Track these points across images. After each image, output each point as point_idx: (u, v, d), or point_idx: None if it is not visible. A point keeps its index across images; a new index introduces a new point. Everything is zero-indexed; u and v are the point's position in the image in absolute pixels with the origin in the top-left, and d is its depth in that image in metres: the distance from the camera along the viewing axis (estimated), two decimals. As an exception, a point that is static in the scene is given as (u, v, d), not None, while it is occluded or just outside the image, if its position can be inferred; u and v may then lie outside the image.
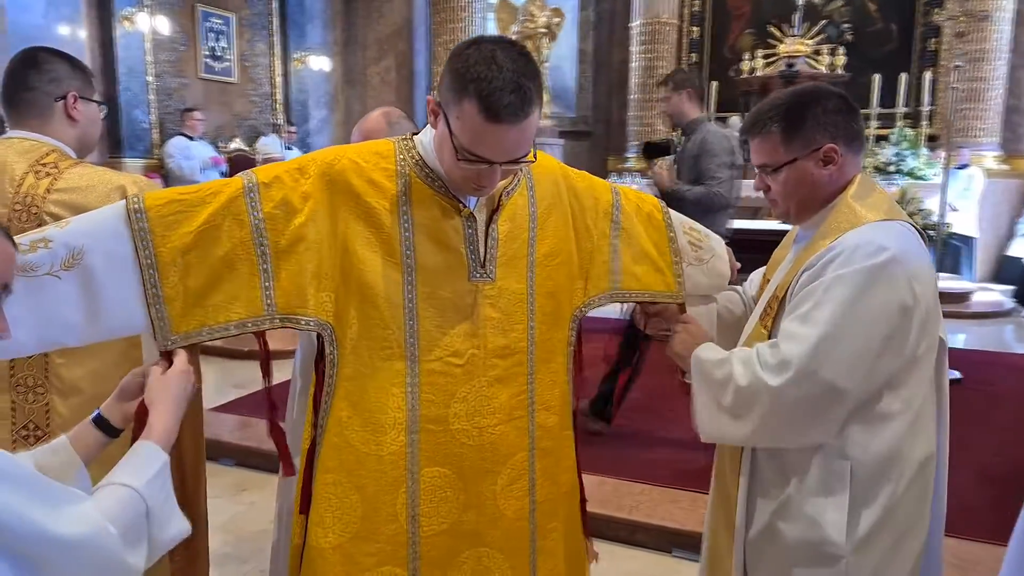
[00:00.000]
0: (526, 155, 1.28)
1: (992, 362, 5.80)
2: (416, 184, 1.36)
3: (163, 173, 8.03)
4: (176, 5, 8.80)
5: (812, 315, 1.35)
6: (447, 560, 1.43)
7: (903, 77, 9.27)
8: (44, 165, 1.69)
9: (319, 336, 1.36)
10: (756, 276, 1.83)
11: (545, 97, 11.03)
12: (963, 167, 8.65)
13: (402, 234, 1.35)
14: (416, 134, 1.42)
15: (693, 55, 11.42)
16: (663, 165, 3.86)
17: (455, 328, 1.38)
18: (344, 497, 1.38)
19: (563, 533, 1.57)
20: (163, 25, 8.47)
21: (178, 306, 1.26)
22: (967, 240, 8.75)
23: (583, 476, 1.71)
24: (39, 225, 1.53)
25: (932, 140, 9.32)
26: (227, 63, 9.58)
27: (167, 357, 1.26)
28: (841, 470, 1.37)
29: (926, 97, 9.27)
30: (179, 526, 1.10)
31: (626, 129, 11.30)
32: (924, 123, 9.33)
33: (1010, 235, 9.30)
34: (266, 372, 1.40)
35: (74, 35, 7.74)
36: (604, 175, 10.18)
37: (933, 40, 9.87)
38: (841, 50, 9.40)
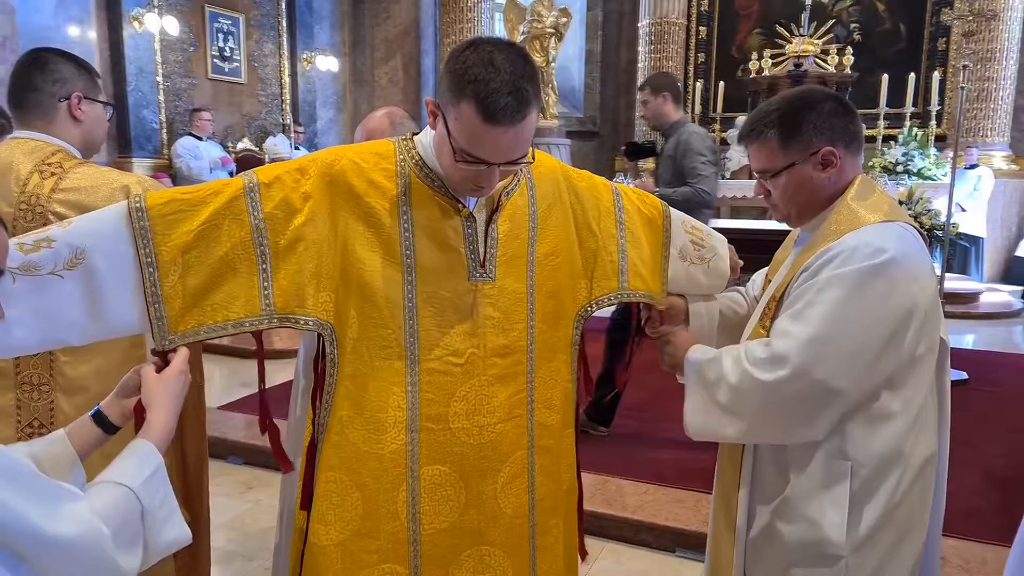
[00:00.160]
0: (524, 156, 1.29)
1: (1000, 363, 5.77)
2: (416, 184, 1.37)
3: (172, 173, 8.07)
4: (185, 6, 8.84)
5: (804, 314, 1.35)
6: (449, 558, 1.44)
7: (912, 77, 9.22)
8: (49, 165, 1.70)
9: (319, 336, 1.36)
10: (759, 277, 1.83)
11: (552, 97, 11.06)
12: (972, 167, 8.60)
13: (402, 234, 1.35)
14: (416, 134, 1.43)
15: (701, 55, 11.39)
16: (648, 171, 3.92)
17: (455, 327, 1.38)
18: (345, 495, 1.39)
19: (562, 530, 1.58)
20: (172, 26, 8.52)
21: (177, 305, 1.27)
22: (976, 240, 8.71)
23: (583, 474, 1.71)
24: (44, 224, 1.55)
25: (941, 140, 9.28)
26: (236, 63, 9.62)
27: (161, 356, 1.26)
28: (841, 470, 1.37)
29: (935, 97, 9.22)
30: (178, 531, 1.08)
31: (634, 129, 11.28)
32: (933, 123, 9.28)
33: (1019, 235, 9.24)
34: (262, 371, 1.41)
35: (83, 36, 7.79)
36: (611, 175, 10.19)
37: (942, 40, 9.82)
38: (849, 50, 9.35)
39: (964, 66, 5.24)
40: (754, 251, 2.28)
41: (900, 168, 8.97)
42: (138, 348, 1.74)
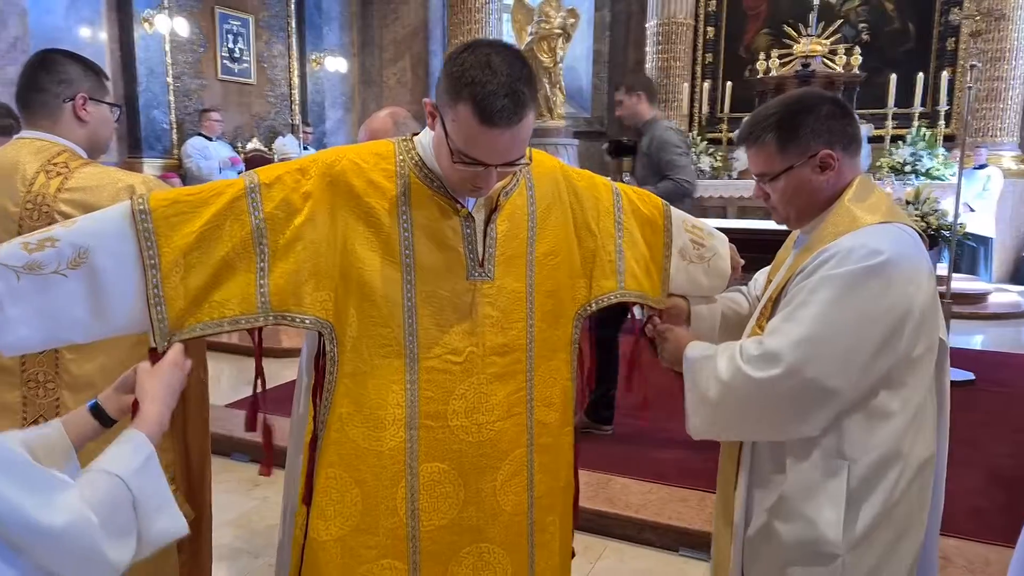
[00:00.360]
0: (521, 158, 1.31)
1: (1008, 363, 5.75)
2: (415, 184, 1.38)
3: (182, 173, 8.12)
4: (195, 7, 8.90)
5: (796, 313, 1.36)
6: (448, 555, 1.46)
7: (920, 77, 9.17)
8: (55, 165, 1.72)
9: (320, 334, 1.38)
10: (760, 276, 1.83)
11: (560, 97, 11.06)
12: (981, 167, 8.55)
13: (401, 234, 1.37)
14: (416, 135, 1.45)
15: (708, 55, 11.37)
16: (628, 169, 4.00)
17: (454, 326, 1.40)
18: (345, 491, 1.41)
19: (559, 527, 1.59)
20: (182, 27, 8.58)
21: (179, 306, 1.28)
22: (985, 240, 8.66)
23: (584, 473, 1.72)
24: (50, 224, 1.57)
25: (950, 140, 9.23)
26: (245, 64, 9.68)
27: (156, 356, 1.27)
28: (838, 469, 1.38)
29: (943, 97, 9.17)
30: (172, 521, 1.08)
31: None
32: (941, 123, 9.23)
33: (1029, 236, 9.19)
34: (259, 369, 1.42)
35: (95, 37, 7.85)
36: (618, 175, 10.18)
37: (951, 39, 9.76)
38: (857, 50, 9.31)
39: (972, 66, 5.21)
40: (756, 251, 2.28)
41: (908, 168, 8.93)
42: (143, 346, 1.74)
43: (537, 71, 10.54)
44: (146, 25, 8.20)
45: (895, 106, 9.11)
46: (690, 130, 10.75)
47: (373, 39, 11.29)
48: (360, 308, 1.37)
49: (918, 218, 5.49)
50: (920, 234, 1.47)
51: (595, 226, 1.59)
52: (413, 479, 1.41)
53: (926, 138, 9.10)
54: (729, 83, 10.19)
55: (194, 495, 1.95)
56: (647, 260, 1.67)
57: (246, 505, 3.35)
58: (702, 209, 9.32)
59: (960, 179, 5.12)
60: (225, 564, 2.88)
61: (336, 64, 10.73)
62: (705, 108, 10.71)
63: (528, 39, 11.22)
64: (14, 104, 1.89)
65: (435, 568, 1.45)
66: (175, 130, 8.66)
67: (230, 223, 1.30)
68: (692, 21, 11.06)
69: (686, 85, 10.75)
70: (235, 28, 9.48)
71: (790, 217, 1.55)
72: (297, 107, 10.30)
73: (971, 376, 5.07)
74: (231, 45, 9.44)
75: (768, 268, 1.77)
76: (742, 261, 1.81)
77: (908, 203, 5.74)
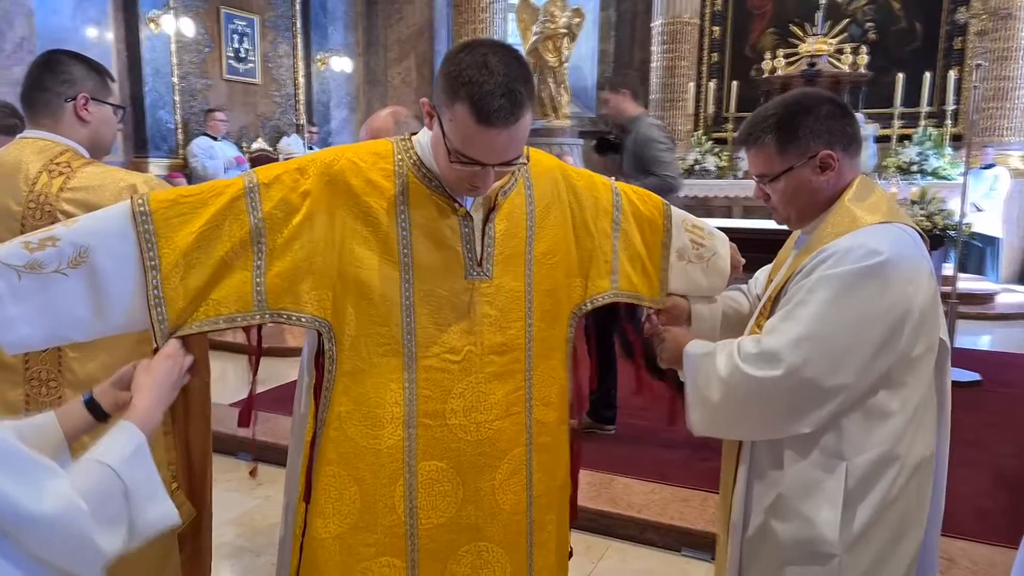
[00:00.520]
0: (518, 157, 1.31)
1: (1015, 364, 5.72)
2: (413, 184, 1.38)
3: (187, 172, 8.16)
4: (200, 7, 8.93)
5: (794, 313, 1.36)
6: (447, 553, 1.46)
7: (927, 76, 9.14)
8: (57, 164, 1.73)
9: (319, 332, 1.38)
10: (761, 275, 1.83)
11: (565, 97, 11.05)
12: (988, 167, 8.52)
13: (399, 233, 1.37)
14: (415, 134, 1.45)
15: (714, 55, 11.36)
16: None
17: (452, 325, 1.40)
18: (343, 489, 1.41)
19: (556, 526, 1.59)
20: (188, 27, 8.61)
21: (179, 306, 1.29)
22: (992, 241, 8.62)
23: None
24: (52, 223, 1.58)
25: (958, 140, 9.19)
26: (250, 64, 9.70)
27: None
28: (836, 469, 1.38)
29: (950, 96, 9.13)
30: (164, 510, 1.09)
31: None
32: (948, 122, 9.19)
33: (1037, 236, 9.14)
34: (256, 366, 1.43)
35: (101, 37, 7.89)
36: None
37: (959, 38, 9.72)
38: (864, 49, 9.28)
39: (978, 65, 5.20)
40: (758, 250, 2.28)
41: (915, 168, 8.90)
42: (145, 344, 1.76)
43: (542, 71, 10.54)
44: (152, 25, 8.23)
45: (902, 105, 9.08)
46: (695, 130, 10.74)
47: (378, 39, 11.30)
48: (358, 307, 1.37)
49: (924, 218, 5.48)
50: (921, 234, 1.46)
51: (593, 226, 1.59)
52: (411, 477, 1.41)
53: (933, 138, 9.07)
54: (735, 83, 10.17)
55: (195, 493, 1.96)
56: (644, 260, 1.66)
57: (249, 503, 3.37)
58: (708, 209, 9.31)
59: (966, 179, 5.10)
60: (228, 562, 2.89)
61: (341, 64, 10.75)
62: (711, 108, 10.69)
63: (533, 39, 11.22)
64: (19, 104, 1.90)
65: (434, 566, 1.45)
66: (181, 130, 8.69)
67: (229, 223, 1.31)
68: (698, 20, 11.04)
69: (691, 85, 10.73)
70: (240, 28, 9.51)
71: (790, 218, 1.55)
72: (302, 107, 10.32)
73: (977, 377, 5.05)
74: (236, 45, 9.47)
75: (769, 267, 1.77)
76: (743, 260, 1.80)
77: (914, 203, 5.71)
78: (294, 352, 4.94)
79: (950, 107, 9.17)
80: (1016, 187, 8.61)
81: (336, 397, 1.40)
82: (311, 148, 9.27)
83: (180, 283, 1.29)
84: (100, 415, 1.24)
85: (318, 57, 10.56)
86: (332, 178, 1.36)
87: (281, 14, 10.07)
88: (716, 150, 10.13)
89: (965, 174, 5.19)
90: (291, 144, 9.61)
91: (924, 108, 9.12)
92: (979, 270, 8.73)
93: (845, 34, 9.76)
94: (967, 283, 7.61)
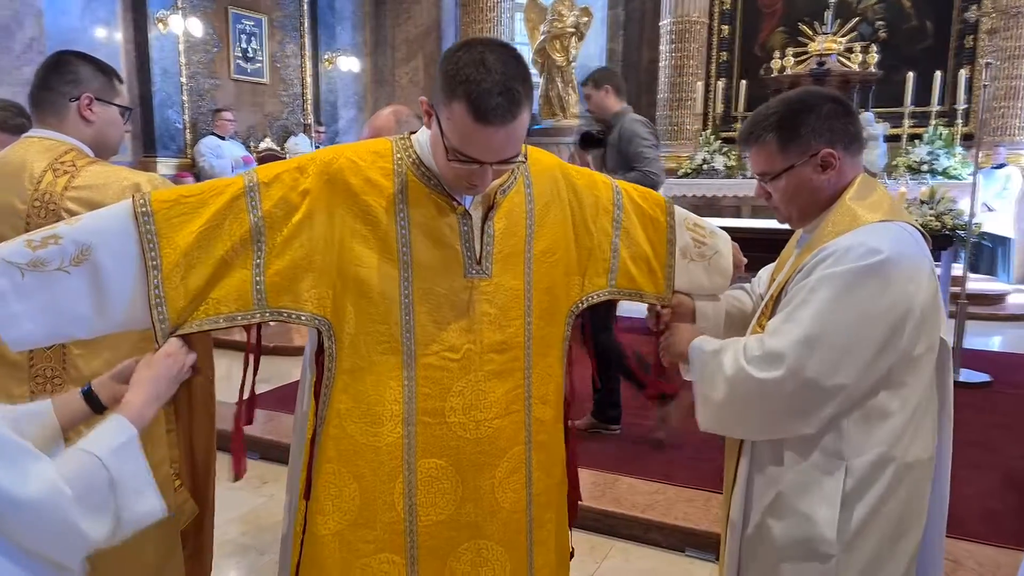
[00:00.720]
0: (516, 156, 1.31)
1: (1024, 365, 5.68)
2: (413, 182, 1.38)
3: (195, 172, 8.19)
4: (209, 7, 8.96)
5: (796, 313, 1.36)
6: (447, 550, 1.46)
7: (938, 75, 9.08)
8: (62, 163, 1.74)
9: (318, 331, 1.39)
10: (764, 274, 1.83)
11: (573, 96, 11.04)
12: (1000, 166, 8.45)
13: (399, 231, 1.37)
14: (414, 133, 1.45)
15: (723, 54, 11.33)
16: (591, 162, 4.04)
17: (451, 323, 1.40)
18: (343, 486, 1.42)
19: (555, 524, 1.59)
20: (196, 27, 8.64)
21: (179, 305, 1.30)
22: (1004, 241, 8.55)
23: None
24: (57, 221, 1.59)
25: (969, 139, 9.12)
26: (258, 64, 9.74)
27: None
28: (835, 469, 1.37)
29: (961, 95, 9.06)
30: (151, 504, 1.09)
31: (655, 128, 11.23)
32: (959, 121, 9.13)
33: (1049, 236, 9.05)
34: (255, 365, 1.44)
35: (110, 37, 7.93)
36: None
37: (970, 37, 9.66)
38: (874, 48, 9.23)
39: (987, 64, 5.16)
40: (761, 250, 2.27)
41: (925, 168, 8.84)
42: (148, 342, 1.76)
43: (550, 70, 10.55)
44: (160, 26, 8.27)
45: (912, 104, 9.02)
46: (704, 129, 10.71)
47: (386, 39, 11.32)
48: (357, 305, 1.38)
49: (933, 218, 5.44)
50: (923, 233, 1.46)
51: (592, 224, 1.59)
52: (411, 475, 1.41)
53: (943, 137, 9.01)
54: (744, 82, 10.14)
55: (198, 491, 1.97)
56: (648, 258, 1.66)
57: (254, 502, 3.38)
58: (716, 209, 9.29)
59: (976, 178, 5.06)
60: (232, 560, 2.90)
61: (349, 64, 10.77)
62: (719, 107, 10.66)
63: (541, 38, 11.21)
64: (28, 104, 1.91)
65: (434, 563, 1.45)
66: (189, 130, 8.73)
67: (229, 222, 1.32)
68: (706, 19, 11.02)
69: (700, 84, 10.70)
70: (248, 28, 9.54)
71: (792, 216, 1.55)
72: (310, 106, 10.35)
73: (987, 378, 5.02)
74: (244, 45, 9.50)
75: (772, 266, 1.77)
76: (744, 260, 1.80)
77: (923, 203, 5.68)
78: (300, 351, 4.95)
79: (961, 106, 9.11)
80: (1028, 187, 8.54)
81: (336, 395, 1.41)
82: (318, 148, 9.29)
83: (181, 282, 1.29)
84: (97, 407, 1.25)
85: (326, 57, 10.59)
86: (331, 177, 1.37)
87: (289, 14, 10.10)
88: (725, 149, 10.10)
89: (975, 173, 5.16)
90: (298, 144, 9.64)
91: (935, 107, 9.06)
92: (991, 271, 8.67)
93: (855, 33, 9.71)
94: (978, 284, 7.56)
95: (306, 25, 10.24)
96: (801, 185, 1.48)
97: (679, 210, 1.74)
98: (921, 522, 1.44)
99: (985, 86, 5.02)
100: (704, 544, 2.88)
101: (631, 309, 1.78)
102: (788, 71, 9.30)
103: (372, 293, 1.37)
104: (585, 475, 3.42)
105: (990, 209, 8.09)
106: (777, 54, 9.76)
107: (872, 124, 8.82)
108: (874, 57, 9.10)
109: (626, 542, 3.03)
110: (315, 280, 1.36)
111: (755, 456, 1.49)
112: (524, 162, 1.36)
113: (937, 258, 5.82)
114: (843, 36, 9.40)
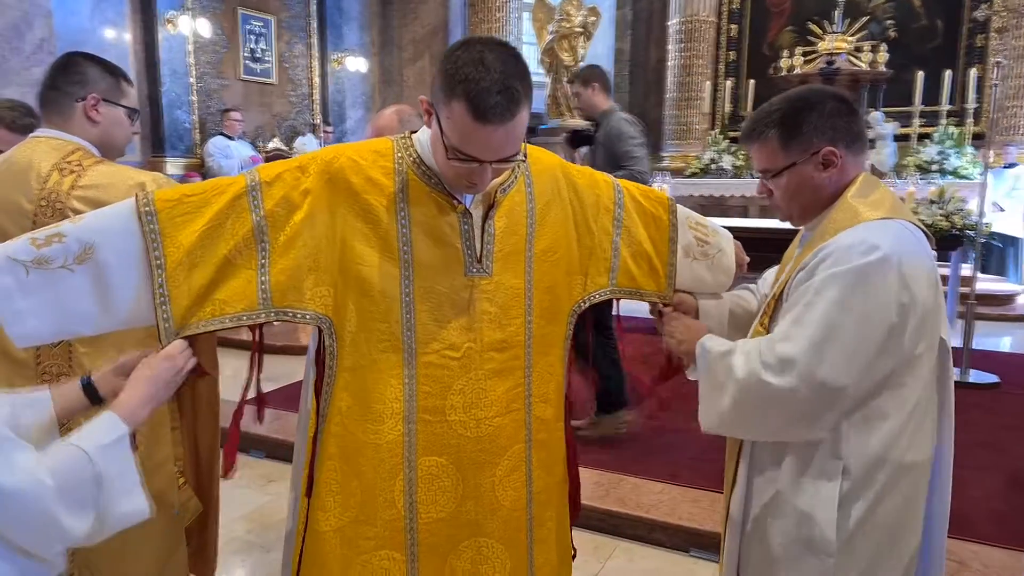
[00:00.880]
0: (516, 154, 1.31)
1: (1035, 366, 5.63)
2: (413, 181, 1.39)
3: (203, 172, 8.24)
4: (217, 8, 9.00)
5: (804, 316, 1.35)
6: (447, 547, 1.47)
7: (948, 74, 9.02)
8: (69, 163, 1.76)
9: (319, 329, 1.39)
10: (770, 274, 1.82)
11: (581, 96, 11.01)
12: (1010, 166, 8.39)
13: (399, 230, 1.38)
14: (415, 132, 1.45)
15: (731, 53, 11.30)
16: (578, 160, 4.02)
17: (452, 322, 1.40)
18: (344, 483, 1.43)
19: (556, 522, 1.60)
20: (204, 28, 8.68)
21: (183, 304, 1.31)
22: (1014, 241, 8.48)
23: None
24: (62, 220, 1.60)
25: (979, 138, 9.06)
26: (267, 64, 9.77)
27: None
28: (834, 469, 1.37)
29: (971, 94, 9.01)
30: (137, 504, 1.09)
31: (662, 128, 11.23)
32: (970, 121, 9.07)
33: (1060, 236, 8.98)
34: (260, 364, 1.45)
35: (119, 38, 7.98)
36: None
37: (980, 36, 9.60)
38: (883, 47, 9.18)
39: (997, 63, 5.13)
40: (766, 250, 2.27)
41: (935, 167, 8.79)
42: (152, 339, 1.79)
43: (558, 70, 10.55)
44: (169, 26, 8.31)
45: (922, 104, 8.97)
46: (712, 128, 10.68)
47: (393, 39, 11.34)
48: (359, 303, 1.38)
49: (942, 218, 5.41)
50: (926, 232, 1.45)
51: (594, 223, 1.59)
52: (411, 472, 1.42)
53: (953, 136, 8.95)
54: (752, 81, 10.11)
55: (202, 488, 1.98)
56: (650, 256, 1.66)
57: (260, 500, 3.39)
58: (723, 208, 9.26)
59: (986, 178, 5.03)
60: (238, 558, 2.91)
61: (356, 64, 10.80)
62: (727, 106, 10.63)
63: (549, 38, 11.21)
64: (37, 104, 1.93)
65: (434, 560, 1.46)
66: (197, 130, 8.77)
67: (232, 220, 1.33)
68: (715, 19, 11.00)
69: (708, 83, 10.68)
70: (257, 29, 9.58)
71: (793, 214, 1.54)
72: (318, 107, 10.38)
73: (996, 379, 4.98)
74: (253, 45, 9.54)
75: (777, 267, 1.76)
76: (747, 258, 1.80)
77: (932, 202, 5.64)
78: (306, 350, 4.97)
79: (971, 105, 9.05)
80: (1039, 187, 8.47)
81: (337, 392, 1.42)
82: (326, 147, 9.29)
83: (184, 281, 1.30)
84: (95, 398, 1.26)
85: (333, 57, 10.61)
86: (332, 176, 1.37)
87: (297, 14, 10.13)
88: (733, 149, 10.07)
89: (984, 173, 5.12)
90: (306, 144, 9.67)
91: (945, 106, 9.01)
92: (1000, 271, 8.60)
93: (865, 32, 9.66)
94: (987, 284, 7.51)
95: (314, 25, 10.27)
96: (803, 183, 1.48)
97: (681, 208, 1.74)
98: (917, 524, 1.42)
99: (995, 85, 4.98)
100: (709, 544, 2.87)
101: (635, 309, 1.78)
102: (797, 70, 9.26)
103: (373, 291, 1.38)
104: (590, 475, 3.44)
105: (1000, 209, 8.02)
106: (786, 53, 9.72)
107: (882, 123, 8.78)
108: (884, 56, 9.05)
109: (630, 542, 3.03)
110: (317, 279, 1.37)
111: (755, 455, 1.49)
112: (524, 161, 1.36)
113: (946, 258, 5.80)
114: (852, 35, 9.36)
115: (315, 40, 10.30)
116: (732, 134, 10.37)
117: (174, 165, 8.36)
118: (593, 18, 11.44)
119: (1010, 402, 4.64)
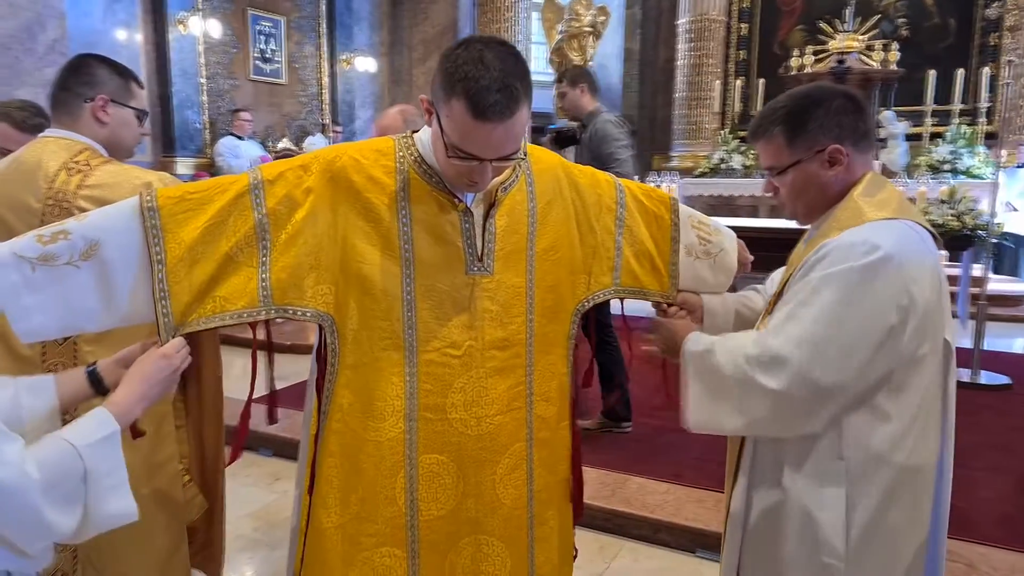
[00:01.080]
0: (515, 152, 1.32)
1: (1046, 367, 5.57)
2: (414, 180, 1.40)
3: (213, 172, 8.27)
4: (227, 9, 9.05)
5: (799, 313, 1.34)
6: (447, 545, 1.47)
7: (960, 73, 8.96)
8: (76, 163, 1.77)
9: (320, 327, 1.40)
10: (776, 275, 1.81)
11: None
12: (1023, 166, 8.31)
13: (400, 228, 1.38)
14: (417, 131, 1.46)
15: (741, 52, 11.27)
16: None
17: (453, 320, 1.41)
18: (346, 480, 1.43)
19: (558, 521, 1.60)
20: (215, 28, 8.74)
21: (184, 300, 1.31)
22: (1025, 242, 8.42)
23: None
24: None
25: (991, 138, 8.99)
26: (276, 65, 9.82)
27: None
28: (837, 471, 1.36)
29: (984, 93, 8.93)
30: (124, 504, 1.08)
31: (671, 127, 11.21)
32: (982, 120, 9.00)
33: (1073, 236, 8.89)
34: (269, 362, 1.45)
35: (130, 39, 8.04)
36: (647, 172, 10.05)
37: (994, 35, 9.53)
38: (895, 46, 9.13)
39: (1010, 61, 5.08)
40: (771, 249, 2.26)
41: (947, 167, 8.73)
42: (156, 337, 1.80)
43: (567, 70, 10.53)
44: (180, 27, 8.37)
45: (934, 103, 8.91)
46: (721, 128, 10.65)
47: (403, 39, 11.37)
48: (360, 302, 1.39)
49: (953, 218, 5.37)
50: (933, 233, 1.44)
51: (596, 223, 1.59)
52: (412, 469, 1.43)
53: (966, 135, 8.88)
54: (762, 80, 10.06)
55: (208, 486, 1.99)
56: (652, 256, 1.66)
57: (267, 498, 3.41)
58: (732, 208, 9.23)
59: (998, 177, 4.99)
60: (244, 556, 2.93)
61: (366, 64, 10.83)
62: (737, 106, 10.60)
63: (558, 37, 11.21)
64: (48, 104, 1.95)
65: (434, 557, 1.46)
66: (208, 130, 8.82)
67: (234, 218, 1.33)
68: (725, 18, 10.96)
69: (718, 83, 10.65)
70: (267, 29, 9.63)
71: (798, 212, 1.54)
72: (327, 107, 10.41)
73: (1008, 380, 4.94)
74: (263, 46, 9.59)
75: (785, 268, 1.75)
76: (751, 258, 1.79)
77: (943, 202, 5.60)
78: (300, 349, 5.00)
79: (984, 104, 8.98)
80: (1052, 186, 8.39)
81: (338, 390, 1.42)
82: (335, 148, 9.31)
83: (185, 277, 1.31)
84: (99, 387, 1.26)
85: (343, 57, 10.65)
86: (334, 175, 1.38)
87: (307, 15, 10.17)
88: (742, 148, 10.03)
89: (996, 172, 5.09)
90: (315, 143, 9.69)
91: (957, 105, 8.94)
92: (1013, 271, 8.53)
93: (876, 30, 9.61)
94: (999, 285, 7.45)
95: (324, 26, 10.30)
96: (808, 180, 1.47)
97: (683, 207, 1.74)
98: (919, 527, 1.41)
99: (1007, 84, 4.94)
100: (714, 545, 2.86)
101: (640, 308, 1.77)
102: (808, 69, 9.23)
103: (374, 289, 1.38)
104: (595, 475, 3.44)
105: (1013, 209, 7.95)
106: (796, 52, 9.69)
107: (893, 123, 8.74)
108: (895, 55, 9.01)
109: (636, 542, 3.02)
110: (319, 277, 1.37)
111: (757, 455, 1.48)
112: (524, 159, 1.36)
113: (957, 259, 5.76)
114: (864, 34, 9.32)
115: (325, 40, 10.33)
116: (742, 134, 10.33)
117: (184, 165, 8.41)
118: (602, 17, 11.44)
119: (1021, 404, 4.60)
